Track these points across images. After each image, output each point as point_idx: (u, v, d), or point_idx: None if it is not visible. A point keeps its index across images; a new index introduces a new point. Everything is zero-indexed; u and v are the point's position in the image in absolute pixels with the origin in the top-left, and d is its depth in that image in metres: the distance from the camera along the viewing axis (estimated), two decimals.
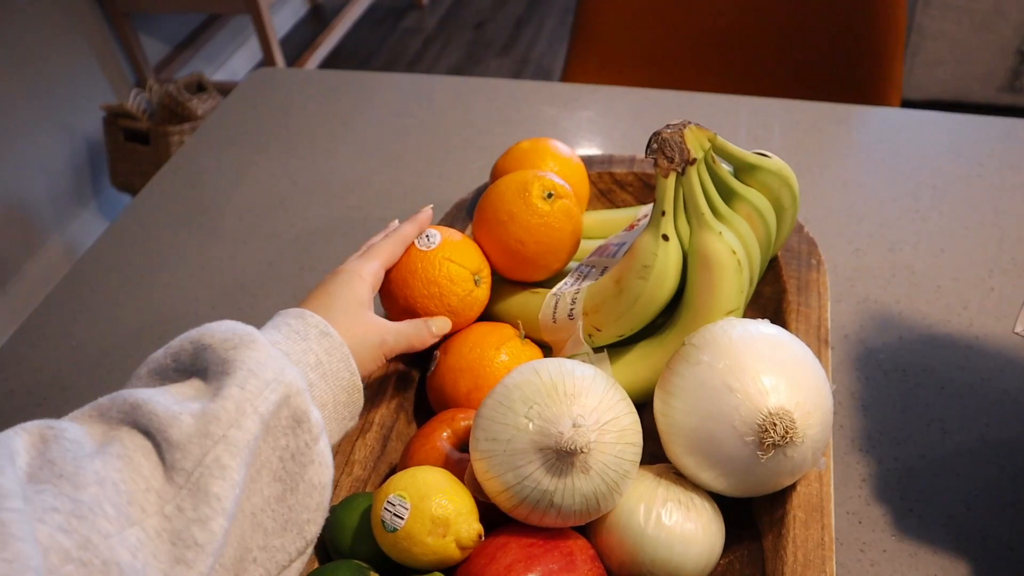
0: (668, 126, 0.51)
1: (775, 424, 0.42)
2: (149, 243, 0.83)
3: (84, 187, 2.10)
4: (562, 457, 0.41)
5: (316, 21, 3.02)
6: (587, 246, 0.63)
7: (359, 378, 0.46)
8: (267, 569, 0.38)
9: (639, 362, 0.54)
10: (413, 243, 0.55)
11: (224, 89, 2.26)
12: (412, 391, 0.58)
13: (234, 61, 2.66)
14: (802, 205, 0.77)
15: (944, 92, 2.18)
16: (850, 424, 0.60)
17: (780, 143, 0.86)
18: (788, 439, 0.42)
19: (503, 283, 0.60)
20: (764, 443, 0.42)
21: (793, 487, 0.47)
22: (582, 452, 0.40)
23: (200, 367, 0.40)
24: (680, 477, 0.47)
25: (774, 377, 0.44)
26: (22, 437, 0.34)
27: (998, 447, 0.58)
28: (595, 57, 1.19)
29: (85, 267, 0.81)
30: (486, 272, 0.57)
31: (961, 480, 0.56)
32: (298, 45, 2.79)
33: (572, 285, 0.57)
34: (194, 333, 0.41)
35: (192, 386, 0.39)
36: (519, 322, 0.57)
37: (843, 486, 0.56)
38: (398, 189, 0.86)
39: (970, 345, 0.64)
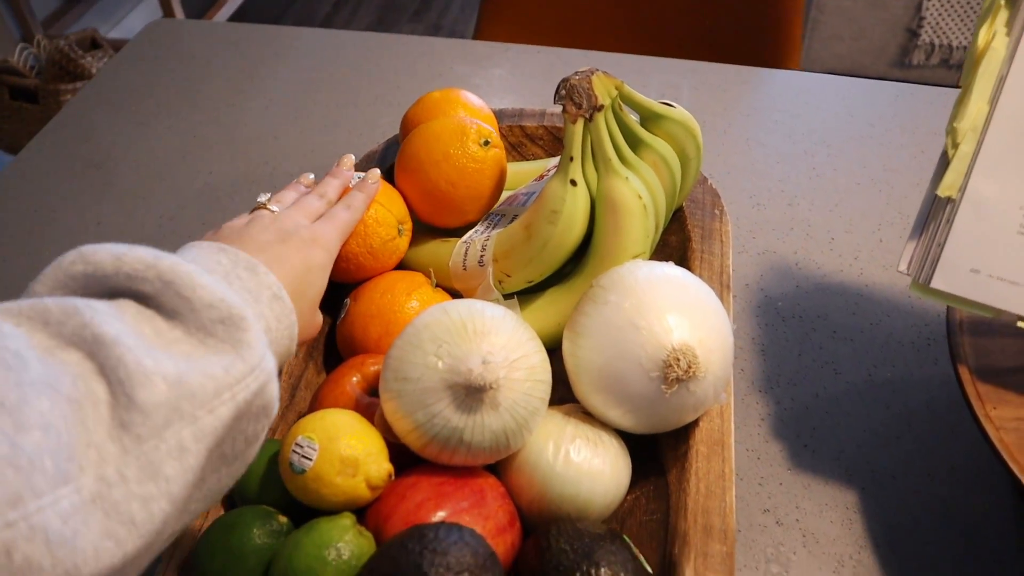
0: (576, 73, 0.52)
1: (678, 359, 0.43)
2: (37, 198, 0.79)
3: None
4: (471, 394, 0.41)
5: None
6: None
7: (295, 346, 0.42)
8: (174, 531, 0.35)
9: (549, 307, 0.54)
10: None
11: (120, 47, 2.16)
12: (322, 339, 0.57)
13: (131, 19, 2.54)
14: (706, 161, 0.79)
15: (840, 65, 2.25)
16: (750, 367, 0.62)
17: (687, 102, 0.87)
18: (691, 374, 0.44)
19: (416, 231, 0.60)
20: (668, 378, 0.44)
21: (696, 423, 0.49)
22: (491, 388, 0.41)
23: (169, 310, 0.35)
24: (588, 416, 0.48)
25: (678, 316, 0.45)
26: None
27: (884, 386, 0.61)
28: (506, 19, 1.18)
29: None
30: (409, 224, 0.57)
31: (851, 417, 0.59)
32: (199, 4, 2.69)
33: (482, 233, 0.57)
34: (159, 265, 0.35)
35: (160, 331, 0.34)
36: (431, 270, 0.57)
37: (743, 425, 0.59)
38: (306, 144, 0.84)
39: (860, 292, 0.67)
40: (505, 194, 0.63)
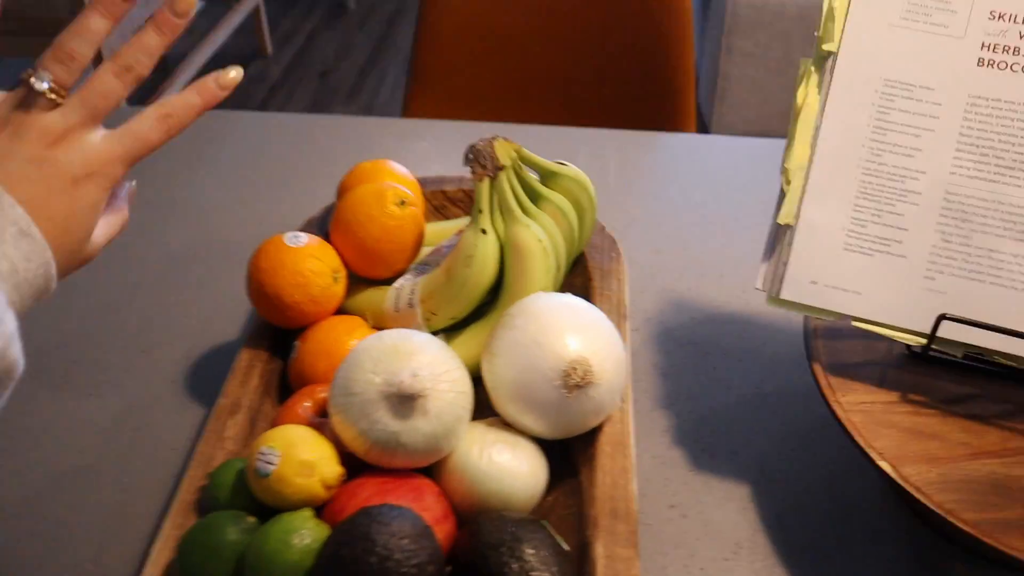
0: (481, 139, 0.62)
1: (575, 369, 0.52)
2: None
3: None
4: (404, 402, 0.49)
5: (159, 68, 3.00)
6: (423, 252, 0.72)
7: (55, 280, 0.38)
8: None
9: (470, 340, 0.63)
10: (282, 239, 0.63)
11: None
12: (276, 377, 0.65)
13: None
14: (608, 215, 0.89)
15: (750, 129, 2.43)
16: (653, 388, 0.71)
17: (587, 165, 0.98)
18: (587, 380, 0.52)
19: (353, 282, 0.68)
20: (568, 384, 0.52)
21: (600, 428, 0.57)
22: (420, 396, 0.49)
23: None
24: (507, 426, 0.56)
25: (574, 334, 0.54)
26: None
27: (770, 395, 0.70)
28: (430, 98, 1.30)
29: None
30: (343, 272, 0.65)
31: (743, 423, 0.68)
32: (140, 91, 2.77)
33: (410, 280, 0.66)
34: None
35: None
36: (367, 314, 0.65)
37: (649, 435, 0.67)
38: (253, 215, 0.92)
39: (747, 320, 0.77)
40: (428, 249, 0.72)
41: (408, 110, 1.28)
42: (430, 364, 0.51)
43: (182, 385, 0.72)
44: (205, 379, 0.72)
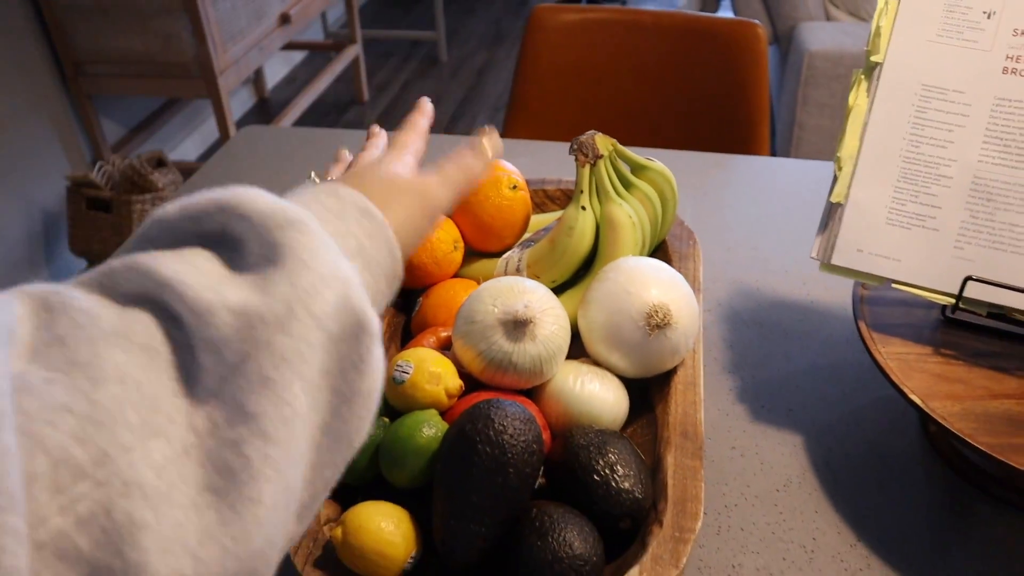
0: (584, 134, 0.74)
1: (657, 311, 0.64)
2: None
3: (38, 253, 2.24)
4: (518, 327, 0.61)
5: (262, 113, 3.25)
6: (528, 233, 0.84)
7: (401, 266, 0.40)
8: (316, 489, 0.33)
9: (567, 301, 0.74)
10: None
11: (181, 168, 2.45)
12: (400, 329, 0.77)
13: (186, 145, 2.85)
14: (690, 221, 1.00)
15: None
16: (721, 358, 0.82)
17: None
18: (666, 322, 0.64)
19: (469, 255, 0.81)
20: (651, 324, 0.64)
21: (674, 371, 0.68)
22: (531, 323, 0.61)
23: (232, 239, 0.33)
24: (597, 365, 0.68)
25: (656, 285, 0.65)
26: (23, 303, 0.29)
27: (824, 368, 0.80)
28: (525, 127, 1.44)
29: None
30: (461, 244, 0.78)
31: (798, 389, 0.78)
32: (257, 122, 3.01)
33: (517, 252, 0.78)
34: (219, 195, 0.33)
35: (222, 263, 0.32)
36: (480, 279, 0.78)
37: (716, 394, 0.78)
38: None
39: (806, 307, 0.87)
40: (531, 231, 0.84)
41: (506, 133, 1.43)
42: (539, 300, 0.62)
43: None
44: None
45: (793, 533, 0.66)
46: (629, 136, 1.38)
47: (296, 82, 3.49)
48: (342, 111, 3.30)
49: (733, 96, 1.35)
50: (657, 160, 0.79)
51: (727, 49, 1.34)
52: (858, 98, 0.66)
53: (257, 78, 3.29)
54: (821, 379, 0.79)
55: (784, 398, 0.77)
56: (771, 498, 0.68)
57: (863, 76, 0.66)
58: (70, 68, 2.27)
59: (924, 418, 0.73)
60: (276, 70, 3.48)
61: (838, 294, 0.89)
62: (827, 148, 2.50)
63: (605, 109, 1.40)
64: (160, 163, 2.28)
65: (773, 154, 2.67)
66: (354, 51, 3.23)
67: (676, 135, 1.39)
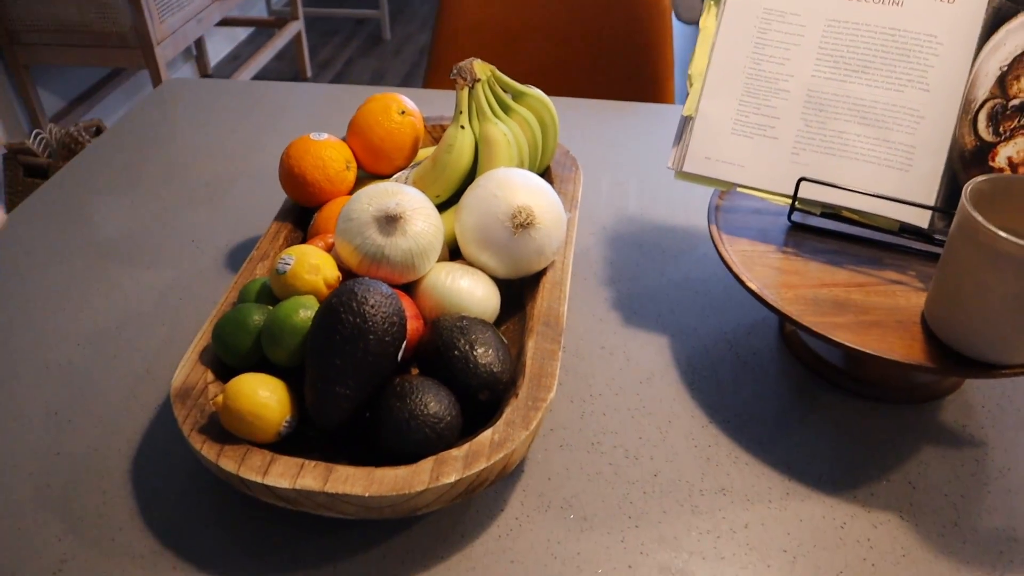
0: (465, 60, 0.80)
1: (521, 212, 0.70)
2: (28, 257, 1.05)
3: None
4: (389, 222, 0.66)
5: None
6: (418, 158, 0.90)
7: None
8: None
9: (447, 217, 0.80)
10: (308, 135, 0.81)
11: None
12: (298, 241, 0.82)
13: None
14: (585, 160, 1.07)
15: None
16: (600, 272, 0.88)
17: (573, 123, 1.16)
18: (529, 222, 0.69)
19: (362, 178, 0.86)
20: (515, 224, 0.69)
21: (543, 272, 0.74)
22: (401, 218, 0.66)
23: None
24: (469, 266, 0.73)
25: (523, 190, 0.71)
26: None
27: (695, 282, 0.87)
28: (445, 75, 1.49)
29: None
30: (354, 164, 0.83)
31: (669, 299, 0.84)
32: None
33: (405, 172, 0.83)
34: None
35: None
36: None
37: (591, 303, 0.84)
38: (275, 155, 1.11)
39: (685, 231, 0.94)
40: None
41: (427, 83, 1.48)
42: (409, 200, 0.68)
43: (221, 264, 0.90)
44: (238, 260, 0.90)
45: (651, 418, 0.72)
46: (544, 91, 1.44)
47: (239, 59, 3.50)
48: None
49: (640, 51, 1.42)
50: (535, 88, 0.84)
51: (634, 8, 1.41)
52: (707, 21, 0.72)
53: (200, 55, 3.29)
54: (692, 290, 0.86)
55: (655, 306, 0.84)
56: (634, 389, 0.75)
57: (713, 2, 0.72)
58: (4, 37, 2.27)
59: (781, 322, 0.80)
60: (219, 47, 3.49)
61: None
62: None
63: (520, 67, 1.46)
64: (99, 131, 2.29)
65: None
66: (296, 27, 3.25)
67: (589, 91, 1.45)
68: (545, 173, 0.89)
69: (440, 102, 1.23)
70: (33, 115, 2.40)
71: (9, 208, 2.22)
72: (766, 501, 0.65)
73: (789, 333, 0.79)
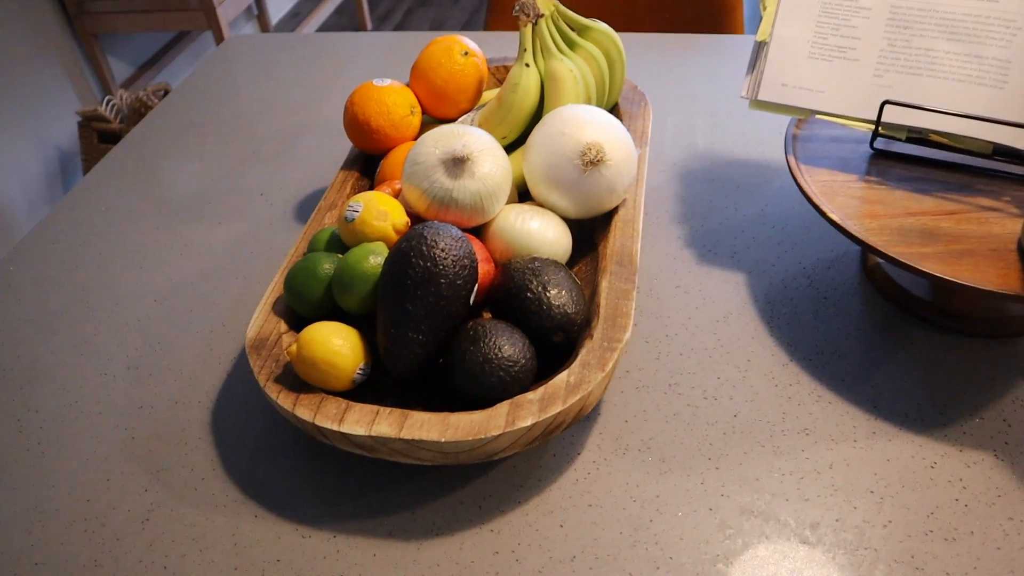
0: None
1: (591, 149, 0.67)
2: (101, 216, 1.06)
3: (56, 189, 2.31)
4: (456, 164, 0.65)
5: None
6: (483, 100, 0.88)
7: None
8: None
9: (515, 158, 0.78)
10: (371, 81, 0.80)
11: None
12: (364, 190, 0.82)
13: None
14: (653, 96, 1.03)
15: None
16: (672, 209, 0.86)
17: (637, 58, 1.12)
18: (599, 158, 0.67)
19: (428, 123, 0.85)
20: (585, 161, 0.67)
21: (614, 211, 0.72)
22: (468, 160, 0.65)
23: None
24: (539, 206, 0.72)
25: (592, 127, 0.69)
26: None
27: (770, 217, 0.84)
28: (506, 22, 1.46)
29: (41, 234, 1.04)
30: (418, 109, 0.82)
31: (744, 234, 0.82)
32: None
33: (471, 114, 0.82)
34: None
35: None
36: None
37: (664, 242, 0.81)
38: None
39: (758, 164, 0.91)
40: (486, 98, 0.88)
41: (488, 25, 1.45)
42: (476, 141, 0.66)
43: (290, 216, 0.90)
44: (306, 212, 0.90)
45: (729, 356, 0.70)
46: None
47: (300, 16, 3.51)
48: None
49: None
50: (600, 22, 0.81)
51: None
52: None
53: (261, 13, 3.30)
54: (767, 225, 0.83)
55: (729, 243, 0.81)
56: (711, 328, 0.73)
57: None
58: (72, 7, 2.31)
59: (863, 254, 0.77)
60: (280, 5, 3.49)
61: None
62: None
63: (579, 4, 1.42)
64: (167, 94, 2.32)
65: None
66: None
67: (652, 25, 1.40)
68: (613, 109, 0.86)
69: (502, 44, 1.20)
70: (104, 82, 2.44)
71: (85, 173, 2.28)
72: (851, 440, 0.63)
73: (872, 266, 0.76)
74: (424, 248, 0.57)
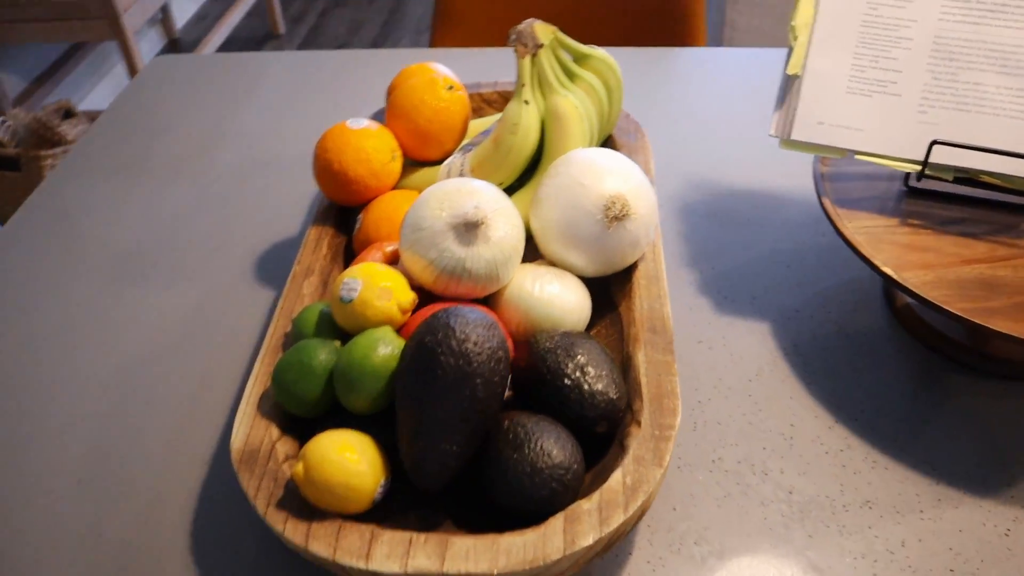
0: (523, 23, 0.69)
1: (615, 202, 0.60)
2: (27, 265, 0.93)
3: None
4: (469, 229, 0.57)
5: (173, 54, 3.08)
6: (467, 138, 0.79)
7: None
8: None
9: (517, 204, 0.70)
10: (345, 123, 0.70)
11: (93, 117, 2.31)
12: (342, 250, 0.72)
13: (95, 93, 2.69)
14: (635, 114, 0.96)
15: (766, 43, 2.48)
16: (678, 252, 0.79)
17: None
18: (625, 212, 0.60)
19: (408, 166, 0.75)
20: (608, 216, 0.60)
21: (635, 266, 0.65)
22: (483, 224, 0.56)
23: None
24: (553, 266, 0.64)
25: (612, 175, 0.61)
26: None
27: (785, 253, 0.78)
28: (452, 36, 1.37)
29: None
30: (399, 152, 0.73)
31: (760, 275, 0.75)
32: None
33: (459, 156, 0.73)
34: None
35: None
36: (422, 188, 0.73)
37: (676, 289, 0.75)
38: (293, 136, 1.00)
39: (761, 193, 0.85)
40: (470, 137, 0.79)
41: (433, 43, 1.35)
42: (489, 200, 0.58)
43: (252, 274, 0.80)
44: (270, 270, 0.80)
45: (771, 422, 0.64)
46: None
47: (207, 19, 3.32)
48: (258, 45, 3.15)
49: None
50: (599, 48, 0.74)
51: None
52: None
53: (165, 17, 3.11)
54: (782, 264, 0.77)
55: (746, 287, 0.75)
56: (744, 388, 0.66)
57: None
58: None
59: (890, 293, 0.71)
60: (185, 8, 3.29)
61: (793, 178, 0.87)
62: (765, 23, 2.46)
63: (534, 12, 1.34)
64: (68, 114, 2.14)
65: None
66: None
67: (609, 33, 1.33)
68: (608, 143, 0.79)
69: (452, 63, 1.11)
70: None
71: None
72: (917, 511, 0.57)
73: (901, 306, 0.70)
74: (454, 343, 0.49)
